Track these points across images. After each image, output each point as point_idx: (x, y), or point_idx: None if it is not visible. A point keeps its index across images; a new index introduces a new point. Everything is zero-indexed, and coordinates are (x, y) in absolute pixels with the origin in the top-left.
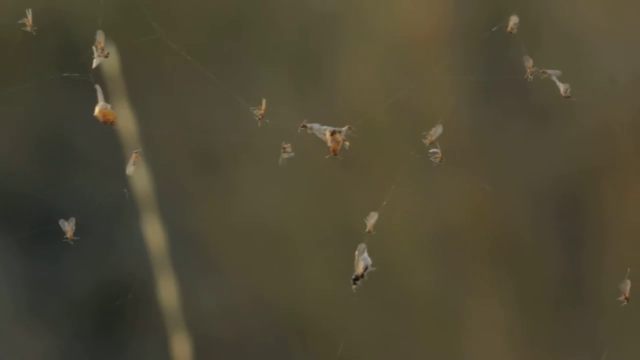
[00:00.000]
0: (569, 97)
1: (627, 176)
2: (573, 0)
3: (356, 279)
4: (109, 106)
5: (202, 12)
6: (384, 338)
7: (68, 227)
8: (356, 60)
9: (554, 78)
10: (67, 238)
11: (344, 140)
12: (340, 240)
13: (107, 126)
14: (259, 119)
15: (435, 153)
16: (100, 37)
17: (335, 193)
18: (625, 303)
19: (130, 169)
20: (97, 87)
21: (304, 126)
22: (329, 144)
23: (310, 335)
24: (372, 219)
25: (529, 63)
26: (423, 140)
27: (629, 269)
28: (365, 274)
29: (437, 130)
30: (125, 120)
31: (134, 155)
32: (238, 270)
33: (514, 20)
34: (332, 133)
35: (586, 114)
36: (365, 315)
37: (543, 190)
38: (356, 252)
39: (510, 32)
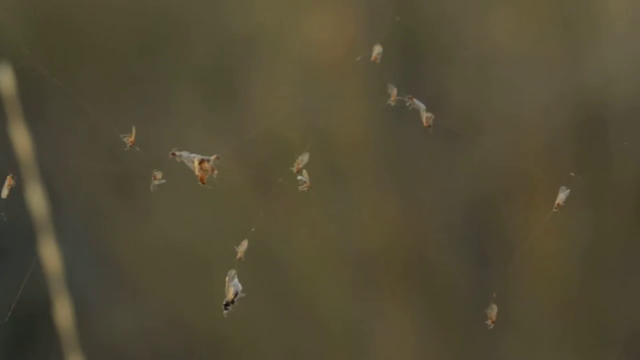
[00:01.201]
0: (430, 126)
1: (534, 200)
2: (484, 24)
3: (227, 304)
4: None
5: (117, 33)
6: (296, 358)
7: None
8: (270, 81)
9: (419, 106)
10: None
11: (212, 168)
12: (252, 260)
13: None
14: (130, 146)
15: (303, 182)
16: None
17: (247, 214)
18: (491, 326)
19: (4, 192)
20: None
21: (173, 154)
22: (197, 172)
23: (224, 353)
24: (242, 246)
25: (393, 92)
26: (290, 168)
27: (494, 294)
28: (235, 299)
29: (304, 159)
30: (23, 142)
31: (8, 179)
32: (153, 291)
33: (377, 50)
34: (200, 162)
35: (496, 138)
36: (278, 334)
37: (453, 213)
38: (227, 279)
39: (375, 61)
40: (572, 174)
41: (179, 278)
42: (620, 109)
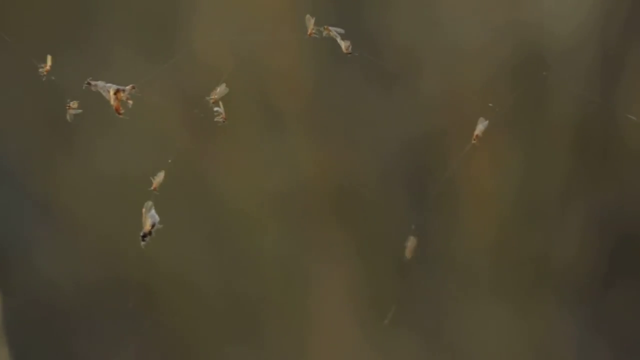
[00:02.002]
0: (350, 53)
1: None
2: None
3: (144, 236)
4: None
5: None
6: (231, 296)
7: None
8: (209, 20)
9: (336, 35)
10: None
11: (127, 99)
12: (182, 195)
13: None
14: (44, 75)
15: (219, 113)
16: None
17: (179, 147)
18: (409, 258)
19: None
20: None
21: (89, 84)
22: (112, 102)
23: (158, 291)
24: (158, 178)
25: (310, 23)
26: (206, 98)
27: (412, 226)
28: (153, 231)
29: (222, 90)
30: None
31: None
32: (83, 227)
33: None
34: (116, 92)
35: (435, 79)
36: (213, 274)
37: (391, 152)
38: (143, 210)
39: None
40: (490, 104)
41: (110, 213)
42: (557, 46)
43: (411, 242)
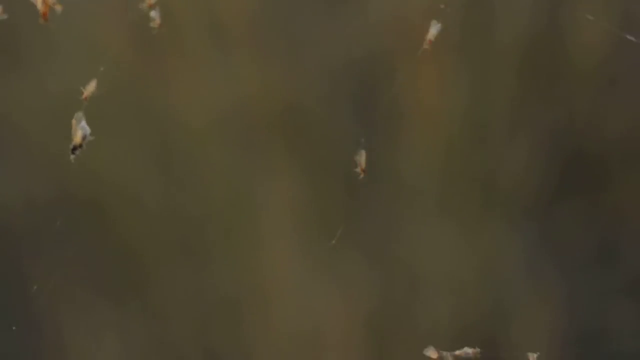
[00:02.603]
0: None
1: (419, 60)
2: None
3: (74, 148)
4: None
5: None
6: (177, 212)
7: None
8: None
9: None
10: None
11: (55, 4)
12: (118, 110)
13: None
14: None
15: (154, 19)
16: None
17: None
18: (362, 175)
19: None
20: None
21: None
22: (39, 7)
23: (107, 208)
24: (90, 87)
25: None
26: (141, 6)
27: (362, 139)
28: (84, 143)
29: None
30: None
31: None
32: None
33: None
34: None
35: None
36: (159, 190)
37: (337, 69)
38: (73, 121)
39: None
40: (442, 6)
41: (53, 128)
42: None
43: (361, 157)
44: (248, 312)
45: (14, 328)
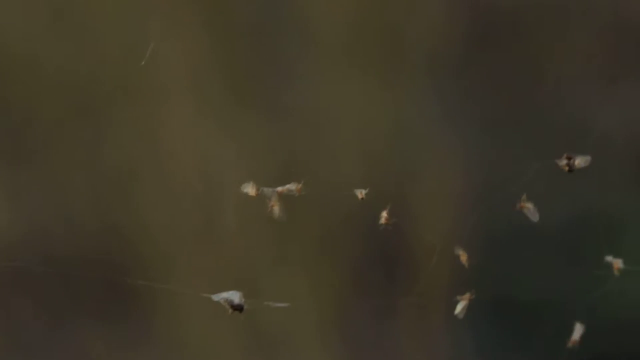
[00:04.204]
0: None
1: None
2: None
3: None
4: None
5: None
6: (72, 72)
7: None
8: None
9: None
10: None
11: None
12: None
13: None
14: None
15: None
16: None
17: None
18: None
19: None
20: None
21: None
22: None
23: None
24: None
25: None
26: None
27: None
28: None
29: None
30: None
31: None
32: None
33: None
34: None
35: None
36: (52, 49)
37: None
38: None
39: None
40: None
41: None
42: None
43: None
44: (145, 178)
45: None
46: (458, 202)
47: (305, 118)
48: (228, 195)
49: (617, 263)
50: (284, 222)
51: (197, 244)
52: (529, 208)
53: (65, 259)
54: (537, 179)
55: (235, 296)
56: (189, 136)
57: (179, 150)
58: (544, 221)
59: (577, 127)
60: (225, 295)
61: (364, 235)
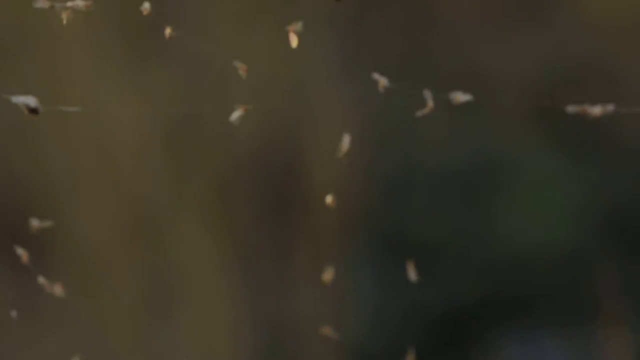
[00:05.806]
0: None
1: None
2: None
3: None
4: None
5: None
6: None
7: None
8: None
9: None
10: None
11: None
12: None
13: None
14: None
15: None
16: None
17: None
18: None
19: None
20: None
21: None
22: None
23: None
24: None
25: None
26: None
27: None
28: None
29: None
30: None
31: None
32: None
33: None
34: None
35: None
36: None
37: None
38: None
39: None
40: None
41: None
42: None
43: None
44: (43, 122)
45: None
46: (354, 146)
47: (208, 64)
48: (131, 147)
49: (383, 82)
50: (183, 163)
51: (95, 183)
52: None
53: None
54: (434, 122)
55: (31, 100)
56: (89, 82)
57: (79, 94)
58: (439, 165)
59: (472, 72)
60: (22, 98)
61: (262, 179)
